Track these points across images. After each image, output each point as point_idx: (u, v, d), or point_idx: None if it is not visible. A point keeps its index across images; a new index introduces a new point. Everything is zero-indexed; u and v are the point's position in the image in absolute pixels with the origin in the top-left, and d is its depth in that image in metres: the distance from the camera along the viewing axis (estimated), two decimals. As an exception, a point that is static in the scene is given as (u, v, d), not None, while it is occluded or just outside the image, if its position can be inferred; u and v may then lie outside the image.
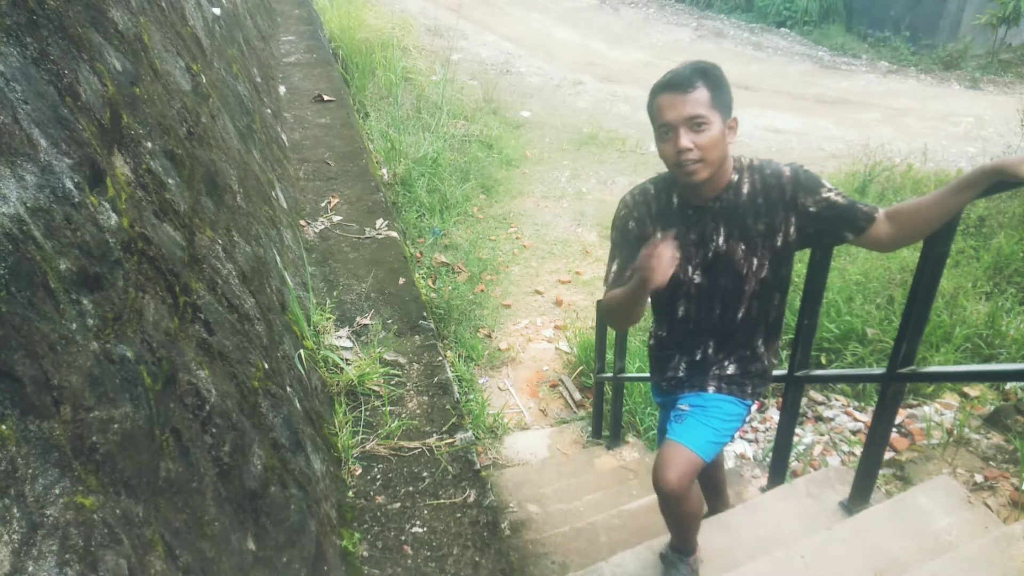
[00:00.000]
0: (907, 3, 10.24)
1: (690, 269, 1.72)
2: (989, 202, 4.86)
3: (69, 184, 1.07)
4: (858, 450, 2.92)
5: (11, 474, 0.77)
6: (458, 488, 2.22)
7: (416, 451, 2.35)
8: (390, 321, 3.03)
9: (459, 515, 2.13)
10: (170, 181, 1.62)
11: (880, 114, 8.44)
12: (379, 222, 3.84)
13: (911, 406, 3.17)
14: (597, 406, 3.79)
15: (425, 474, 2.27)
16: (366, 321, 3.00)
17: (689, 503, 1.77)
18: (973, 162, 6.92)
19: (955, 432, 2.60)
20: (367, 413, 2.48)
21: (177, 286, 1.40)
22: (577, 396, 4.39)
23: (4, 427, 0.78)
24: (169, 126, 1.76)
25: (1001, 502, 2.18)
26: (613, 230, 1.77)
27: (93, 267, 1.07)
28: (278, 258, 2.64)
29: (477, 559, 1.99)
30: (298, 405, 1.98)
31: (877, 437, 2.00)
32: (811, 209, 1.62)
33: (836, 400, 3.47)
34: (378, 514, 2.11)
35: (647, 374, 3.33)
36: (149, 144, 1.55)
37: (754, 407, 1.91)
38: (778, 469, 2.40)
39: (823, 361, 3.57)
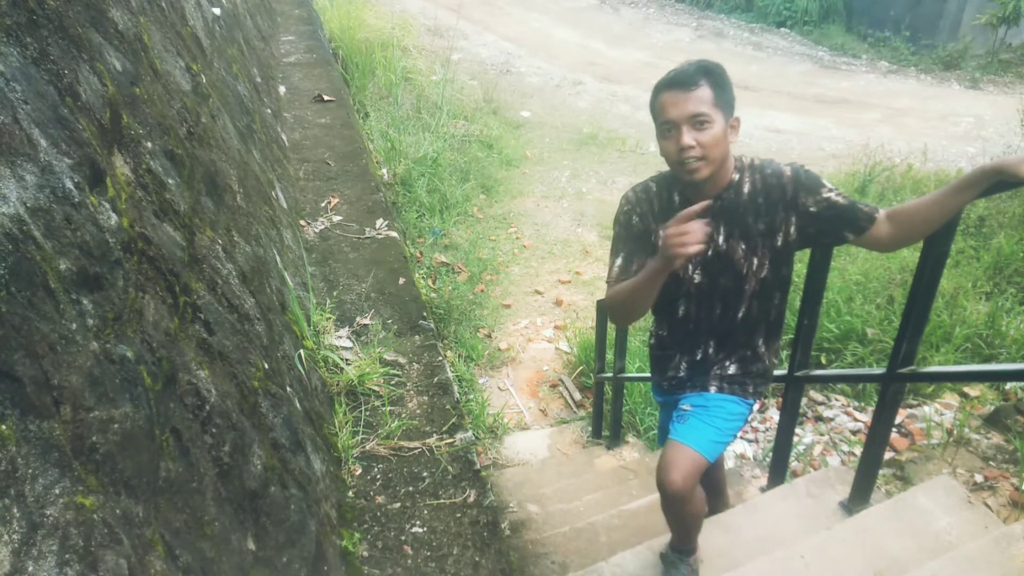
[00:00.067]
0: (907, 3, 10.24)
1: (690, 268, 1.72)
2: (989, 202, 4.86)
3: (69, 184, 1.07)
4: (858, 450, 2.92)
5: (11, 474, 0.77)
6: (458, 488, 2.22)
7: (416, 451, 2.35)
8: (390, 321, 3.03)
9: (459, 515, 2.13)
10: (170, 181, 1.62)
11: (880, 114, 8.44)
12: (379, 222, 3.84)
13: (911, 406, 3.17)
14: (597, 406, 3.79)
15: (425, 474, 2.27)
16: (366, 321, 3.00)
17: (693, 503, 1.77)
18: (973, 162, 6.92)
19: (955, 432, 2.60)
20: (367, 413, 2.48)
21: (177, 286, 1.40)
22: (577, 396, 4.39)
23: (4, 427, 0.78)
24: (169, 126, 1.76)
25: (1001, 502, 2.18)
26: (616, 225, 1.76)
27: (93, 267, 1.07)
28: (278, 258, 2.64)
29: (477, 559, 1.99)
30: (298, 405, 1.98)
31: (877, 437, 2.00)
32: (811, 209, 1.62)
33: (836, 400, 3.47)
34: (378, 514, 2.11)
35: (647, 374, 3.33)
36: (149, 144, 1.55)
37: (756, 406, 1.91)
38: (778, 469, 2.40)
39: (823, 361, 3.57)
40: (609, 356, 3.65)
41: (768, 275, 1.71)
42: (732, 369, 1.81)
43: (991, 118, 8.06)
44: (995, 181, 1.41)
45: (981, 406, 3.02)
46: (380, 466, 2.29)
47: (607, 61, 10.43)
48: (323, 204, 3.99)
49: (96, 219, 1.12)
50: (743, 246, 1.67)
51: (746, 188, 1.65)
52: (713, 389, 1.81)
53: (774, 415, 3.47)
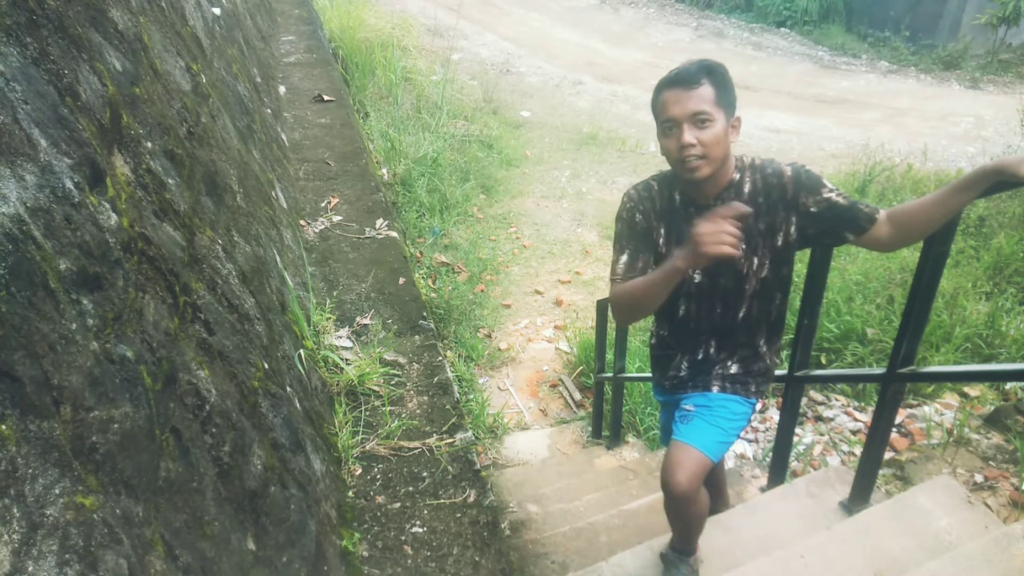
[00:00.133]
0: (907, 3, 10.24)
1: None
2: (989, 202, 4.86)
3: (69, 184, 1.07)
4: (858, 450, 2.92)
5: (11, 474, 0.77)
6: (458, 488, 2.22)
7: (416, 451, 2.35)
8: (390, 321, 3.03)
9: (459, 515, 2.13)
10: (170, 181, 1.62)
11: (880, 114, 8.45)
12: (379, 222, 3.84)
13: (911, 406, 3.17)
14: (597, 406, 3.79)
15: (425, 474, 2.27)
16: (366, 321, 3.00)
17: (697, 504, 1.77)
18: (973, 162, 6.92)
19: (955, 432, 2.60)
20: (367, 413, 2.48)
21: (177, 286, 1.40)
22: (577, 396, 4.39)
23: (4, 427, 0.78)
24: (169, 126, 1.76)
25: (1001, 502, 2.18)
26: (618, 222, 1.75)
27: (93, 267, 1.07)
28: (278, 258, 2.64)
29: (477, 559, 1.99)
30: (298, 405, 1.98)
31: (877, 437, 2.00)
32: (812, 209, 1.62)
33: (836, 400, 3.47)
34: (378, 514, 2.11)
35: (647, 374, 3.33)
36: (149, 144, 1.55)
37: (757, 406, 1.91)
38: (778, 469, 2.40)
39: (823, 361, 3.57)
40: (609, 356, 3.65)
41: (768, 275, 1.71)
42: (734, 368, 1.81)
43: (991, 118, 8.06)
44: (995, 181, 1.41)
45: (981, 406, 3.02)
46: (380, 466, 2.29)
47: (607, 61, 10.43)
48: (323, 204, 3.99)
49: (96, 219, 1.12)
50: (743, 246, 1.67)
51: (746, 188, 1.65)
52: (716, 389, 1.81)
53: (774, 415, 3.47)
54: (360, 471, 2.26)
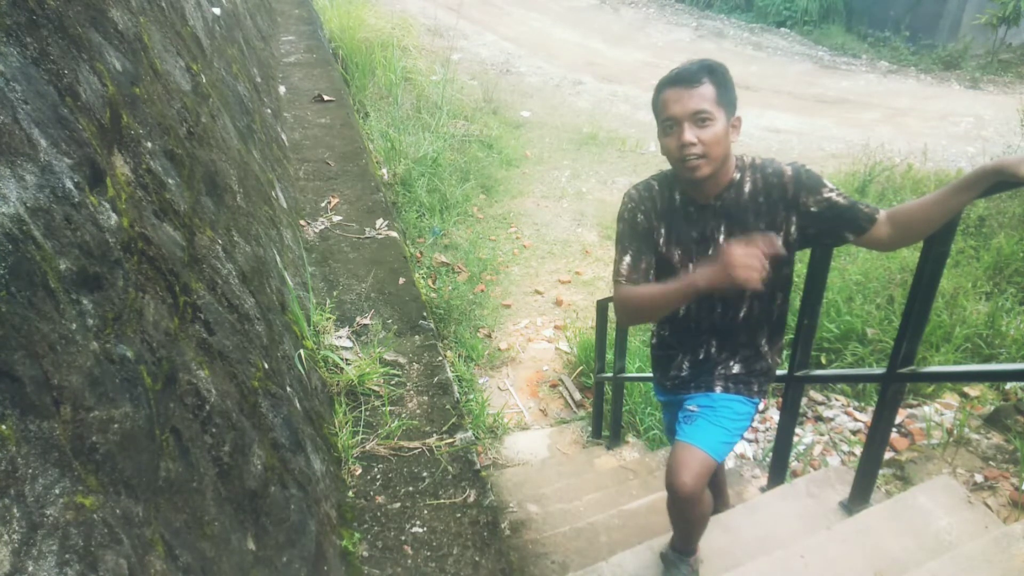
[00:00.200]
0: (907, 3, 10.24)
1: (691, 267, 1.72)
2: (989, 202, 4.86)
3: (69, 184, 1.07)
4: (858, 450, 2.92)
5: (11, 474, 0.77)
6: (458, 488, 2.22)
7: (416, 451, 2.35)
8: (390, 321, 3.03)
9: (459, 515, 2.13)
10: (170, 181, 1.62)
11: (880, 114, 8.45)
12: (379, 222, 3.84)
13: (911, 406, 3.17)
14: (597, 406, 3.79)
15: (425, 474, 2.27)
16: (366, 321, 3.00)
17: (702, 505, 1.78)
18: (973, 162, 6.92)
19: (955, 432, 2.60)
20: (367, 413, 2.48)
21: (177, 286, 1.40)
22: (577, 396, 4.39)
23: (4, 427, 0.78)
24: (169, 126, 1.76)
25: (1001, 502, 2.18)
26: (620, 223, 1.75)
27: (93, 267, 1.07)
28: (278, 258, 2.64)
29: (477, 559, 1.99)
30: (298, 405, 1.98)
31: (877, 437, 2.00)
32: (812, 209, 1.62)
33: (836, 400, 3.47)
34: (378, 514, 2.11)
35: (647, 374, 3.33)
36: (149, 144, 1.55)
37: (760, 405, 1.91)
38: (778, 469, 2.40)
39: (823, 361, 3.57)
40: (609, 356, 3.65)
41: (769, 275, 1.71)
42: (736, 368, 1.81)
43: (991, 118, 8.06)
44: (995, 181, 1.41)
45: (981, 406, 3.02)
46: (380, 466, 2.29)
47: (607, 61, 10.43)
48: (323, 204, 3.99)
49: (96, 219, 1.12)
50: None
51: (747, 187, 1.65)
52: (719, 389, 1.81)
53: (774, 415, 3.47)
54: (360, 471, 2.26)
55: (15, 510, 0.75)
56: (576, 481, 3.22)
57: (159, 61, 1.97)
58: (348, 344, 2.82)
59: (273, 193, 3.24)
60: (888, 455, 2.51)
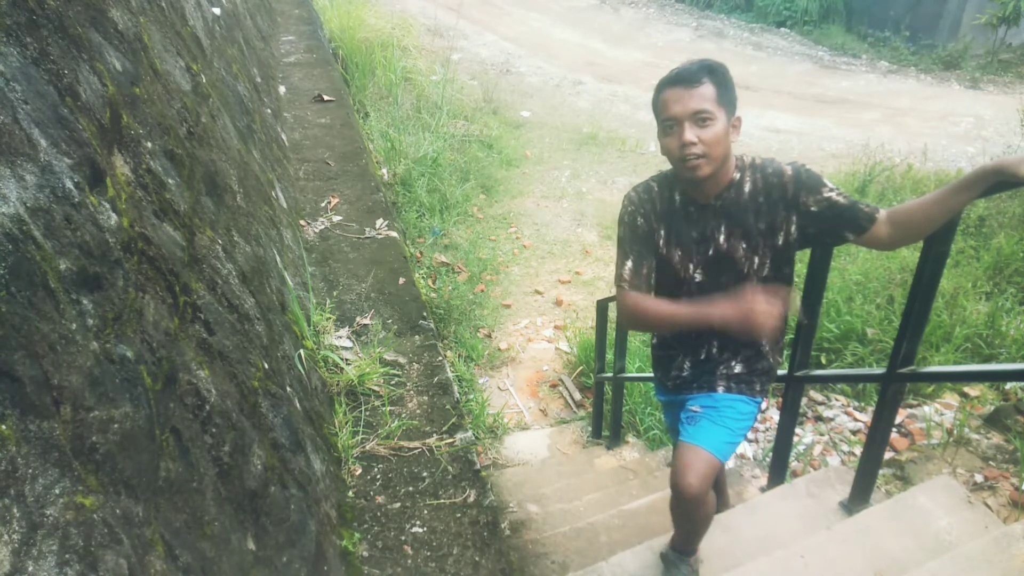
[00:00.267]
0: (907, 3, 10.24)
1: (691, 267, 1.72)
2: (989, 202, 4.86)
3: (69, 184, 1.07)
4: (858, 450, 2.92)
5: (11, 474, 0.77)
6: (458, 488, 2.22)
7: (416, 451, 2.35)
8: (390, 321, 3.03)
9: (459, 515, 2.13)
10: (170, 181, 1.62)
11: (880, 114, 8.45)
12: (379, 222, 3.84)
13: (911, 406, 3.17)
14: (597, 406, 3.79)
15: (425, 474, 2.27)
16: (366, 321, 3.00)
17: (707, 505, 1.78)
18: (973, 162, 6.92)
19: (955, 432, 2.60)
20: (367, 413, 2.48)
21: (177, 286, 1.40)
22: (577, 396, 4.39)
23: (4, 427, 0.78)
24: (169, 126, 1.76)
25: (1001, 502, 2.18)
26: (621, 227, 1.76)
27: (93, 267, 1.07)
28: (278, 258, 2.64)
29: (477, 559, 1.99)
30: (298, 405, 1.98)
31: (877, 437, 2.00)
32: (812, 208, 1.62)
33: (836, 400, 3.47)
34: (378, 514, 2.11)
35: (647, 374, 3.33)
36: (149, 144, 1.55)
37: (762, 404, 1.91)
38: (778, 469, 2.40)
39: (823, 361, 3.57)
40: (609, 356, 3.65)
41: (769, 274, 1.71)
42: (738, 368, 1.81)
43: (991, 118, 8.06)
44: (995, 181, 1.41)
45: (981, 406, 3.02)
46: (380, 466, 2.29)
47: (607, 61, 10.43)
48: (323, 204, 3.99)
49: (96, 219, 1.12)
50: (744, 245, 1.67)
51: (747, 187, 1.65)
52: (721, 389, 1.81)
53: (774, 415, 3.47)
54: (360, 471, 2.26)
55: (15, 510, 0.75)
56: (576, 481, 3.22)
57: (159, 61, 1.97)
58: (348, 344, 2.82)
59: (273, 193, 3.24)
60: (888, 455, 2.51)
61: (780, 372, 2.11)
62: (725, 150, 1.58)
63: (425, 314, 3.12)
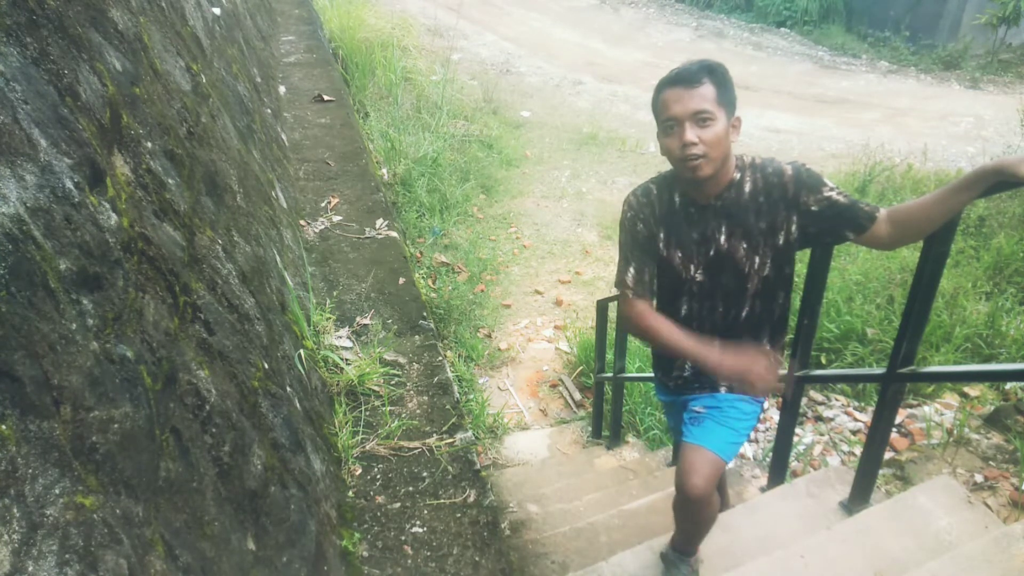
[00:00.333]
0: (907, 3, 10.24)
1: (692, 268, 1.73)
2: (989, 202, 4.86)
3: (69, 184, 1.07)
4: (858, 450, 2.92)
5: (11, 474, 0.77)
6: (458, 488, 2.22)
7: (416, 451, 2.35)
8: (390, 321, 3.03)
9: (459, 515, 2.13)
10: (170, 181, 1.62)
11: (880, 114, 8.45)
12: (379, 222, 3.84)
13: (911, 406, 3.17)
14: (597, 406, 3.79)
15: (425, 474, 2.27)
16: (366, 321, 3.00)
17: (711, 506, 1.78)
18: (973, 162, 6.92)
19: (955, 432, 2.60)
20: (367, 413, 2.48)
21: (177, 286, 1.40)
22: (577, 396, 4.39)
23: (4, 427, 0.78)
24: (169, 126, 1.76)
25: (1001, 502, 2.18)
26: (622, 232, 1.78)
27: (93, 267, 1.07)
28: (278, 258, 2.64)
29: (477, 559, 1.99)
30: (298, 405, 1.98)
31: (877, 437, 2.00)
32: (813, 208, 1.62)
33: (836, 400, 3.47)
34: (378, 514, 2.11)
35: (647, 374, 3.33)
36: (149, 144, 1.55)
37: (765, 404, 1.92)
38: (778, 469, 2.40)
39: (823, 361, 3.57)
40: (609, 356, 3.65)
41: (770, 274, 1.71)
42: None
43: (991, 118, 8.06)
44: (995, 181, 1.40)
45: (981, 406, 3.02)
46: (380, 466, 2.29)
47: (607, 61, 10.43)
48: (323, 204, 3.99)
49: (96, 219, 1.12)
50: (745, 245, 1.67)
51: (747, 187, 1.65)
52: (723, 389, 1.81)
53: (774, 415, 3.47)
54: (360, 471, 2.26)
55: (15, 510, 0.75)
56: (576, 481, 3.22)
57: (159, 61, 1.97)
58: (348, 344, 2.82)
59: (273, 193, 3.24)
60: (888, 455, 2.51)
61: (780, 372, 2.11)
62: (726, 150, 1.58)
63: (425, 314, 3.12)
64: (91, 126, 1.24)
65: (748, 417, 1.79)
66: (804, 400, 3.41)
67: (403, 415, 2.50)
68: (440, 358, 2.84)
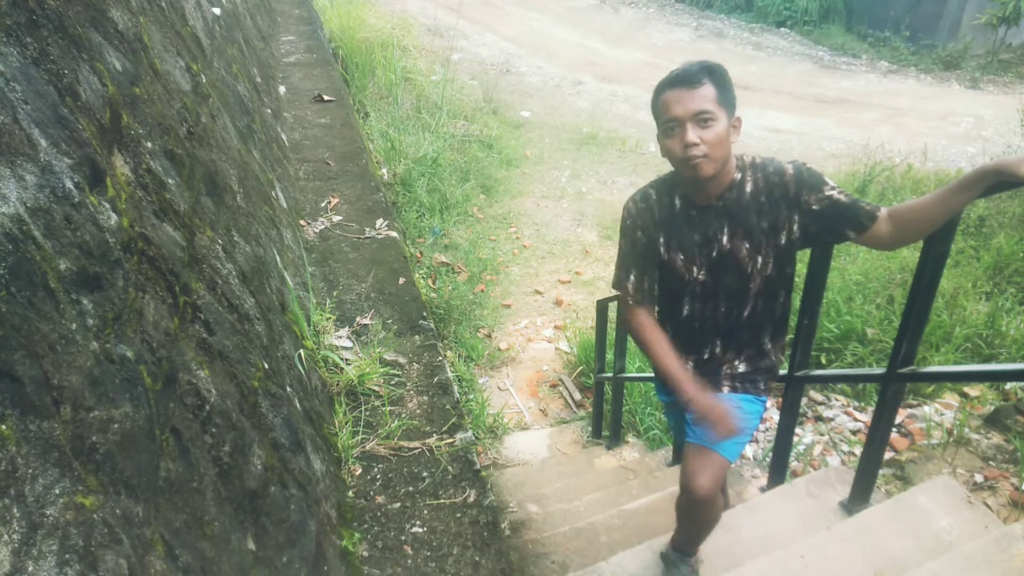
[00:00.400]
0: (907, 3, 10.23)
1: (695, 269, 1.72)
2: (989, 202, 4.86)
3: (69, 184, 1.07)
4: (858, 450, 2.92)
5: (11, 474, 0.77)
6: (458, 488, 2.22)
7: (416, 451, 2.35)
8: (390, 321, 3.03)
9: (459, 515, 2.13)
10: (170, 181, 1.62)
11: (880, 114, 8.44)
12: (379, 222, 3.84)
13: (911, 406, 3.17)
14: (597, 406, 3.79)
15: (425, 474, 2.27)
16: (366, 321, 3.00)
17: (715, 507, 1.79)
18: (973, 162, 6.92)
19: (955, 432, 2.60)
20: (367, 413, 2.48)
21: (177, 286, 1.40)
22: (577, 396, 4.39)
23: (4, 427, 0.78)
24: (169, 126, 1.76)
25: (1001, 502, 2.18)
26: (623, 238, 1.79)
27: (93, 267, 1.07)
28: (278, 258, 2.64)
29: (477, 559, 1.99)
30: (298, 405, 1.98)
31: (877, 437, 2.00)
32: (814, 207, 1.62)
33: (836, 400, 3.47)
34: (378, 514, 2.11)
35: (647, 374, 3.33)
36: (149, 144, 1.55)
37: (767, 403, 1.92)
38: (778, 469, 2.40)
39: (823, 361, 3.57)
40: (609, 356, 3.65)
41: (772, 273, 1.71)
42: (742, 367, 1.81)
43: (991, 118, 8.06)
44: (995, 181, 1.41)
45: (981, 406, 3.02)
46: (380, 466, 2.29)
47: (607, 61, 10.43)
48: (323, 204, 3.99)
49: (96, 219, 1.12)
50: (747, 245, 1.67)
51: (748, 187, 1.65)
52: (726, 389, 1.81)
53: (774, 415, 3.47)
54: (360, 471, 2.26)
55: (15, 510, 0.75)
56: (576, 481, 3.22)
57: (159, 61, 1.97)
58: (348, 344, 2.82)
59: (273, 193, 3.24)
60: (888, 455, 2.51)
61: (780, 372, 2.11)
62: (726, 150, 1.58)
63: (425, 314, 3.12)
64: (91, 126, 1.24)
65: (752, 417, 1.79)
66: (804, 400, 3.41)
67: (403, 415, 2.50)
68: (440, 358, 2.84)
